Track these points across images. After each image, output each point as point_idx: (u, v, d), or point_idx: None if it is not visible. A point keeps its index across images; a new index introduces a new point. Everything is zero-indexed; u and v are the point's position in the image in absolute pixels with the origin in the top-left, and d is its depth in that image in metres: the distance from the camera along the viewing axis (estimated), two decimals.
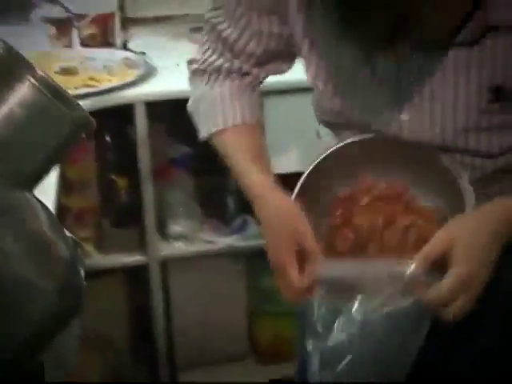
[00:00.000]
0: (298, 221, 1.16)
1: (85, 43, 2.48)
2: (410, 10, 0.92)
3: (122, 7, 2.50)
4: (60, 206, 2.32)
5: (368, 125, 1.21)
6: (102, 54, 2.36)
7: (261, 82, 1.35)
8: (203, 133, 1.31)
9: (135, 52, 2.38)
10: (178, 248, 2.35)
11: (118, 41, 2.47)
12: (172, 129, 2.37)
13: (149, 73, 2.24)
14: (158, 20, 2.55)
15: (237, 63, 1.29)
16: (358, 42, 1.07)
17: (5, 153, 0.93)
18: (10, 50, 0.94)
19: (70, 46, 2.47)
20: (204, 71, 1.32)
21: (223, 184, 2.35)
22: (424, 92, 1.13)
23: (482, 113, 1.12)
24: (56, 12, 3.57)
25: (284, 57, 1.30)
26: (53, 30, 2.48)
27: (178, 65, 2.18)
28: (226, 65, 1.29)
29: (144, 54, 2.37)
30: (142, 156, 2.22)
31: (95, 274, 2.25)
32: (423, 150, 1.17)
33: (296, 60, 1.32)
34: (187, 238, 2.34)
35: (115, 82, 2.18)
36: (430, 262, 1.06)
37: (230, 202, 2.37)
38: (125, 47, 2.46)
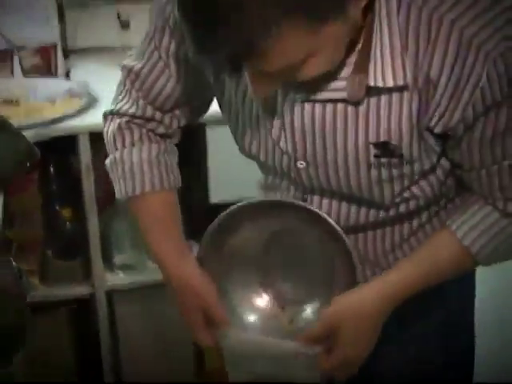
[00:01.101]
0: (201, 291, 1.27)
1: (27, 73, 2.47)
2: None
3: (64, 37, 2.50)
4: (3, 238, 2.30)
5: (272, 166, 1.24)
6: (44, 84, 2.36)
7: (173, 136, 1.35)
8: (118, 193, 1.33)
9: (78, 82, 2.38)
10: (124, 278, 2.33)
11: (61, 71, 2.47)
12: None
13: (91, 103, 2.24)
14: (100, 50, 2.56)
15: (150, 110, 1.29)
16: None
17: None
18: None
19: (11, 76, 2.46)
20: (121, 129, 1.31)
21: None
22: (316, 141, 1.16)
23: (370, 167, 1.15)
24: None
25: (198, 100, 1.32)
26: None
27: None
28: (139, 113, 1.29)
29: (86, 83, 2.37)
30: (86, 186, 2.21)
31: (40, 306, 2.23)
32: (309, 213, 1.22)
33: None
34: (133, 267, 2.34)
35: (58, 112, 2.17)
36: (315, 340, 1.20)
37: None
38: (67, 77, 2.46)
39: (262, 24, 0.91)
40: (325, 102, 1.12)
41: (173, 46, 1.22)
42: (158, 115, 1.30)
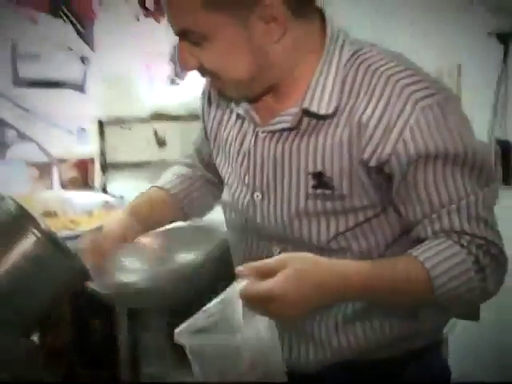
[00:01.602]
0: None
1: (65, 186, 2.57)
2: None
3: (102, 152, 2.60)
4: (32, 345, 2.32)
5: (235, 201, 1.31)
6: (81, 197, 2.44)
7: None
8: None
9: (114, 196, 2.47)
10: None
11: (98, 184, 2.56)
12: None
13: None
14: (136, 165, 2.66)
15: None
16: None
17: (9, 303, 0.98)
18: (17, 206, 1.02)
19: (50, 188, 2.55)
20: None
21: None
22: (269, 171, 1.24)
23: (308, 198, 1.20)
24: (33, 153, 3.70)
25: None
26: (34, 172, 2.57)
27: None
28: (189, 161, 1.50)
29: (122, 197, 2.46)
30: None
31: None
32: None
33: None
34: (161, 379, 2.34)
35: (95, 225, 2.24)
36: (256, 269, 1.07)
37: None
38: (104, 191, 2.55)
39: None
40: (275, 132, 1.22)
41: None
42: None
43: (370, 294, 1.11)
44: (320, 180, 1.19)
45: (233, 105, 1.28)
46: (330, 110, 1.16)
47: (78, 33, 5.37)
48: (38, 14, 3.78)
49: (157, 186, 1.46)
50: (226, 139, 1.32)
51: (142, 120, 2.66)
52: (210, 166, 1.44)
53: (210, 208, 1.52)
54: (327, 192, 1.19)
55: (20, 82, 4.85)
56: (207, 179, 1.50)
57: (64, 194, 2.48)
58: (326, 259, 1.09)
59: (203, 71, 1.20)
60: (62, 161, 2.56)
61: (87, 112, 3.11)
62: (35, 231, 1.01)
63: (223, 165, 1.34)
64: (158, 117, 2.62)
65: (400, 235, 1.22)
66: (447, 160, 1.14)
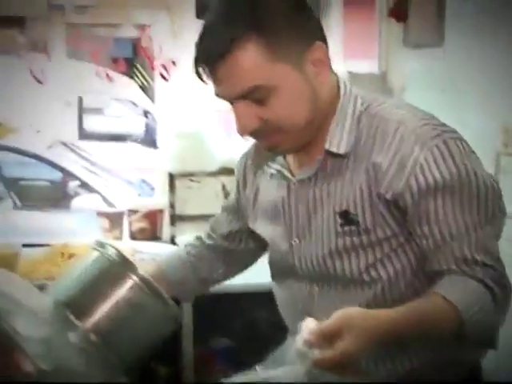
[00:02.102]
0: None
1: (134, 236, 2.64)
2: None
3: (172, 205, 2.68)
4: None
5: (276, 253, 1.39)
6: (151, 247, 2.51)
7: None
8: None
9: None
10: None
11: (166, 236, 2.63)
12: (214, 321, 2.46)
13: None
14: (204, 218, 2.72)
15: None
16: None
17: (110, 346, 1.04)
18: (119, 254, 1.09)
19: (120, 238, 2.63)
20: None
21: None
22: (303, 219, 1.33)
23: (338, 236, 1.28)
24: (93, 200, 3.80)
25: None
26: (105, 222, 2.65)
27: None
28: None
29: None
30: (186, 345, 2.29)
31: None
32: None
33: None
34: None
35: None
36: (323, 334, 1.11)
37: None
38: (172, 242, 2.61)
39: (227, 34, 1.19)
40: (305, 179, 1.32)
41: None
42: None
43: (407, 337, 1.17)
44: (346, 218, 1.28)
45: (267, 166, 1.38)
46: (348, 149, 1.27)
47: (143, 88, 5.56)
48: (105, 69, 3.94)
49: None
50: (263, 200, 1.41)
51: (211, 174, 2.74)
52: (230, 236, 1.53)
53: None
54: (353, 228, 1.27)
55: (85, 135, 5.02)
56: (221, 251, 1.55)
57: (134, 244, 2.55)
58: (372, 311, 1.15)
59: (262, 130, 1.25)
60: (132, 212, 2.64)
61: (152, 164, 3.21)
62: (135, 278, 1.07)
63: (264, 225, 1.42)
64: (226, 171, 2.69)
65: (424, 262, 1.28)
66: (454, 192, 1.22)
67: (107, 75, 3.70)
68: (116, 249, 1.10)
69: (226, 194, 2.70)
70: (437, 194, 1.22)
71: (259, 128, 1.24)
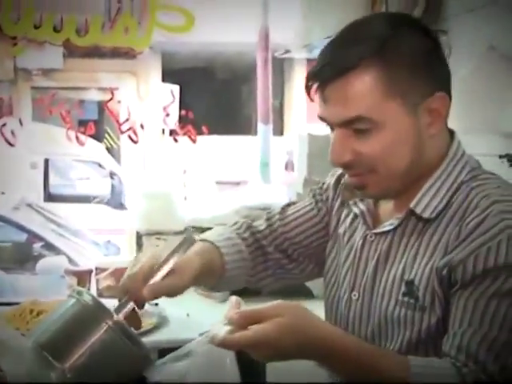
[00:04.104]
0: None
1: (101, 294, 2.68)
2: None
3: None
4: None
5: (332, 296, 1.35)
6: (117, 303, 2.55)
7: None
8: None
9: (149, 303, 2.57)
10: None
11: None
12: None
13: (161, 322, 2.42)
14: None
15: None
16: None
17: (84, 380, 1.10)
18: (94, 299, 1.16)
19: None
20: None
21: None
22: (369, 276, 1.27)
23: (396, 304, 1.21)
24: (58, 262, 3.81)
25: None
26: (73, 280, 2.68)
27: (188, 315, 2.38)
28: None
29: (157, 304, 2.56)
30: None
31: None
32: None
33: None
34: None
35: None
36: (253, 318, 1.07)
37: None
38: None
39: (348, 58, 1.14)
40: (382, 233, 1.26)
41: None
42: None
43: (346, 364, 1.08)
44: (410, 288, 1.20)
45: (351, 204, 1.33)
46: (433, 215, 1.20)
47: (109, 150, 5.65)
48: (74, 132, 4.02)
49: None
50: (339, 235, 1.37)
51: (177, 232, 2.80)
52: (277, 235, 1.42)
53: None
54: (411, 301, 1.19)
55: (51, 196, 5.07)
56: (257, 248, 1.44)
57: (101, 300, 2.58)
58: (317, 317, 1.10)
59: (355, 166, 1.19)
60: (99, 270, 2.68)
61: (118, 225, 3.27)
62: (109, 322, 1.14)
63: (332, 258, 1.37)
64: (193, 229, 2.75)
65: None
66: (501, 291, 1.11)
67: (78, 138, 3.78)
68: (92, 295, 1.17)
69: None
70: (479, 285, 1.11)
71: (353, 162, 1.19)
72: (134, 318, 1.22)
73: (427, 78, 1.17)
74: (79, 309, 1.15)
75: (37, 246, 4.65)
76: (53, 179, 5.24)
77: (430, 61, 1.18)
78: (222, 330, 1.08)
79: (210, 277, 1.37)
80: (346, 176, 1.30)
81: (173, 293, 1.28)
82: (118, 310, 1.20)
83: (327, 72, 1.16)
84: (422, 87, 1.16)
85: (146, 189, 2.83)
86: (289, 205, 1.50)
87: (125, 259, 2.72)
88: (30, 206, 4.87)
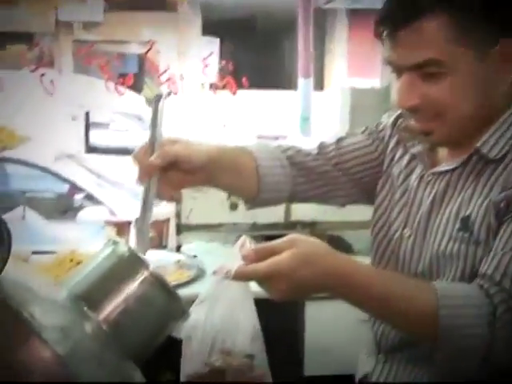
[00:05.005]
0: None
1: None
2: None
3: (178, 214, 2.73)
4: None
5: (382, 234, 1.36)
6: (156, 255, 2.56)
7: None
8: None
9: (187, 255, 2.59)
10: None
11: (172, 244, 2.68)
12: None
13: (200, 275, 2.43)
14: (209, 227, 2.78)
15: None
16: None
17: (120, 334, 1.08)
18: (131, 251, 1.14)
19: None
20: None
21: None
22: (423, 214, 1.28)
23: (450, 239, 1.23)
24: (99, 212, 3.84)
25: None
26: (112, 231, 2.69)
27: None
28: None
29: (195, 257, 2.57)
30: None
31: None
32: None
33: None
34: None
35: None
36: (259, 252, 1.07)
37: None
38: (178, 250, 2.67)
39: (420, 2, 1.15)
40: (440, 173, 1.27)
41: None
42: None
43: (366, 295, 1.07)
44: (465, 223, 1.21)
45: (409, 145, 1.34)
46: (499, 155, 1.22)
47: (149, 103, 5.62)
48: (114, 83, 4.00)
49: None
50: (392, 174, 1.38)
51: None
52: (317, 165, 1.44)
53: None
54: (465, 235, 1.21)
55: (92, 149, 5.08)
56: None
57: None
58: (333, 250, 1.09)
59: (421, 110, 1.21)
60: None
61: None
62: (145, 273, 1.12)
63: (383, 196, 1.39)
64: None
65: None
66: None
67: (116, 89, 3.77)
68: (128, 246, 1.15)
69: (232, 204, 2.75)
70: None
71: (420, 106, 1.21)
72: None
73: (498, 23, 1.18)
74: (115, 259, 1.14)
75: (78, 196, 4.67)
76: (93, 131, 5.23)
77: (501, 5, 1.19)
78: (236, 265, 1.07)
79: (237, 177, 1.38)
80: (408, 120, 1.31)
81: (183, 158, 1.27)
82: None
83: (399, 16, 1.18)
84: (494, 31, 1.18)
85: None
86: (342, 138, 1.49)
87: (164, 210, 2.72)
88: (70, 157, 4.89)
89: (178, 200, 1.47)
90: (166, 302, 1.13)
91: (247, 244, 1.12)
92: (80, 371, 0.99)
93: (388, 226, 1.36)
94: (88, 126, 5.13)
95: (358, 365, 1.47)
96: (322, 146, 1.49)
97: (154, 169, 1.24)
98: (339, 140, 1.49)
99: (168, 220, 2.69)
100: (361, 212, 1.58)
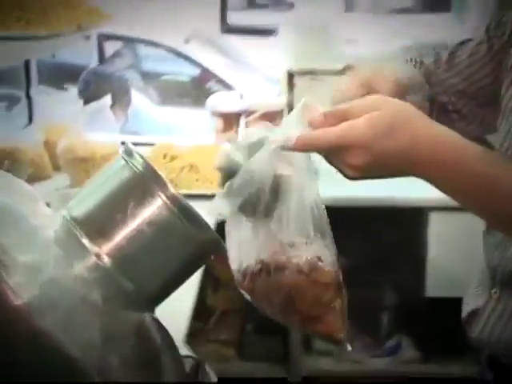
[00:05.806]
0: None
1: None
2: None
3: (291, 104, 2.48)
4: (205, 305, 2.25)
5: None
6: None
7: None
8: None
9: None
10: (323, 365, 2.19)
11: None
12: None
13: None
14: None
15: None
16: None
17: (128, 271, 0.85)
18: (147, 167, 0.88)
19: (234, 140, 2.46)
20: None
21: (378, 299, 2.20)
22: None
23: None
24: (230, 98, 3.60)
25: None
26: (220, 123, 2.49)
27: None
28: None
29: None
30: None
31: (234, 380, 2.15)
32: None
33: None
34: (333, 355, 2.19)
35: None
36: (330, 116, 0.86)
37: (385, 320, 2.21)
38: None
39: None
40: None
41: None
42: None
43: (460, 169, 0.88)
44: None
45: None
46: None
47: None
48: None
49: None
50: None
51: (336, 72, 2.48)
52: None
53: None
54: None
55: (229, 29, 4.84)
56: None
57: None
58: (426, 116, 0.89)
59: None
60: (250, 112, 2.46)
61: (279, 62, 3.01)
62: (162, 195, 0.86)
63: (510, 96, 1.18)
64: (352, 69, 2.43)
65: None
66: None
67: None
68: (143, 158, 0.89)
69: None
70: None
71: None
72: None
73: None
74: (127, 176, 0.87)
75: (210, 82, 4.48)
76: (231, 8, 4.96)
77: None
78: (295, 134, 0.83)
79: None
80: None
81: None
82: None
83: None
84: None
85: (301, 23, 2.52)
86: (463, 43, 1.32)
87: (274, 102, 2.46)
88: (203, 38, 4.66)
89: None
90: (188, 231, 0.87)
91: (313, 107, 0.86)
92: (54, 322, 0.76)
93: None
94: (225, 2, 4.86)
95: (464, 299, 1.29)
96: (436, 60, 1.32)
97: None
98: (452, 51, 1.31)
99: (281, 112, 2.44)
100: None
